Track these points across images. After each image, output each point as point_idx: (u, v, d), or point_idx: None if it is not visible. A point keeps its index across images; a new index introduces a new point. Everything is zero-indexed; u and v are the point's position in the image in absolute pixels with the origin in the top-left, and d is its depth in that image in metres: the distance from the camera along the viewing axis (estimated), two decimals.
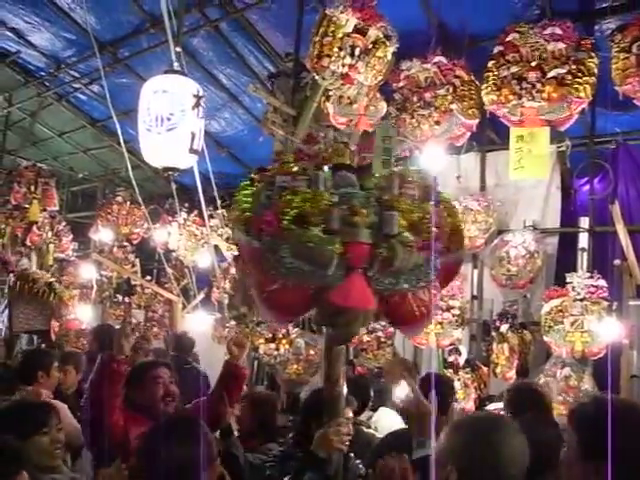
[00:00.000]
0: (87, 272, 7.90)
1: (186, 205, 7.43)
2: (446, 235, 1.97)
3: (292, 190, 1.88)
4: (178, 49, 3.96)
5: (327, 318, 1.92)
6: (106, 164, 9.44)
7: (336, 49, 4.23)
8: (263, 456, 2.96)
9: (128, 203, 8.56)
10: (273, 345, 4.67)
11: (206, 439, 2.01)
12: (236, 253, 5.58)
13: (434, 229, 1.90)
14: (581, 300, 4.56)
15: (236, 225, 1.93)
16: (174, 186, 5.27)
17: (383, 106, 4.92)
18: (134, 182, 4.90)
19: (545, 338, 4.69)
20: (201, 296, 6.98)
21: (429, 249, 1.90)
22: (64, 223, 8.05)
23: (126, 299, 8.90)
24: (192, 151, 3.68)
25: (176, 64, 3.85)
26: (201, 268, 7.16)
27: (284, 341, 4.69)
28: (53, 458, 2.44)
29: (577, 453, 1.55)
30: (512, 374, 4.79)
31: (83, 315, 7.28)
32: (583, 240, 5.19)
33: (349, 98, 4.57)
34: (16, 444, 1.95)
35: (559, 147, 5.35)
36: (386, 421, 3.83)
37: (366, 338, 5.29)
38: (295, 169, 1.97)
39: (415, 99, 4.97)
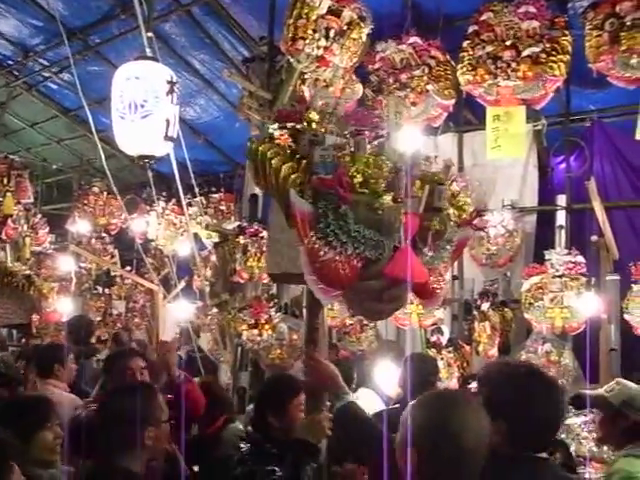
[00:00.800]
0: (65, 264, 7.79)
1: (164, 194, 7.37)
2: (474, 217, 2.02)
3: (344, 153, 1.81)
4: (150, 34, 3.88)
5: (373, 292, 1.81)
6: (80, 154, 9.28)
7: (310, 31, 4.18)
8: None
9: (105, 193, 8.46)
10: (256, 331, 4.66)
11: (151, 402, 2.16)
12: (216, 240, 5.54)
13: (467, 205, 1.94)
14: (560, 277, 4.62)
15: (288, 187, 1.77)
16: (151, 174, 5.19)
17: (359, 88, 4.89)
18: (108, 172, 4.82)
19: (526, 315, 4.75)
20: (182, 285, 6.93)
21: (467, 224, 1.97)
22: (40, 215, 7.91)
23: (106, 290, 8.83)
24: (167, 138, 3.62)
25: (148, 50, 3.78)
26: (181, 257, 7.11)
27: (267, 326, 4.68)
28: (54, 453, 2.43)
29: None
30: (494, 352, 4.85)
31: (63, 308, 7.19)
32: (561, 218, 5.25)
33: (325, 81, 4.53)
34: (7, 439, 1.93)
35: (535, 126, 5.39)
36: (366, 402, 3.85)
37: (349, 321, 5.32)
38: (322, 130, 1.89)
39: (391, 81, 4.95)
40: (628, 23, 3.93)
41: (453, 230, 1.91)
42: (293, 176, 1.77)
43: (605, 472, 2.50)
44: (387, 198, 1.72)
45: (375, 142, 1.98)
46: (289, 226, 1.80)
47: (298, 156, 1.82)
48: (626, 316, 4.37)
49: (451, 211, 1.90)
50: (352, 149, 1.83)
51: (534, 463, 1.64)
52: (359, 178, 1.71)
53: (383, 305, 1.85)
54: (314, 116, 1.91)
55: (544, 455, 1.67)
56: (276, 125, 1.97)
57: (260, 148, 1.89)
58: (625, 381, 2.63)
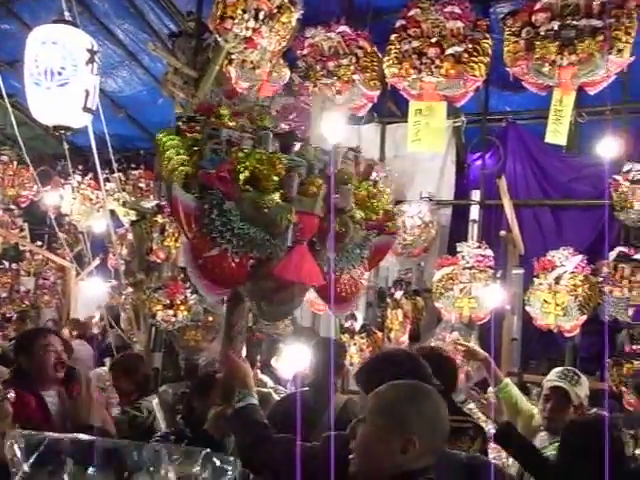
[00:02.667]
0: None
1: (80, 167, 7.07)
2: (383, 216, 1.95)
3: (240, 148, 1.72)
4: None
5: (265, 293, 1.76)
6: None
7: (240, 11, 4.12)
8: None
9: (15, 163, 8.00)
10: (171, 311, 4.59)
11: None
12: (134, 218, 5.40)
13: (380, 208, 1.88)
14: (470, 268, 4.83)
15: (173, 180, 1.69)
16: (66, 146, 4.98)
17: (286, 73, 4.89)
18: (20, 140, 4.58)
19: (436, 304, 4.94)
20: (96, 262, 6.71)
21: (375, 228, 1.88)
22: None
23: (14, 265, 8.39)
24: (86, 109, 3.50)
25: (67, 14, 3.60)
26: (96, 233, 6.87)
27: (182, 307, 4.63)
28: None
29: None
30: (405, 339, 5.02)
31: None
32: (474, 212, 5.49)
33: (252, 63, 4.48)
34: None
35: (455, 122, 5.59)
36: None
37: None
38: (232, 124, 1.81)
39: (318, 67, 4.98)
40: (542, 33, 4.16)
41: (359, 233, 1.86)
42: (180, 168, 1.71)
43: None
44: (275, 196, 1.67)
45: (301, 139, 1.94)
46: (172, 218, 1.76)
47: (196, 149, 1.76)
48: (527, 308, 4.64)
49: (358, 214, 1.83)
50: (253, 145, 1.78)
51: None
52: (246, 174, 1.66)
53: (275, 307, 1.81)
54: (224, 111, 1.85)
55: None
56: (185, 118, 1.91)
57: (163, 138, 1.83)
58: (583, 375, 2.83)
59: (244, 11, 4.17)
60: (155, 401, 3.49)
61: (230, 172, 1.65)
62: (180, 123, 1.89)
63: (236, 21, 4.15)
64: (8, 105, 4.42)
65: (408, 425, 1.43)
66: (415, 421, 1.43)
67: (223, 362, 2.03)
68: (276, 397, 3.50)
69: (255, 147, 1.77)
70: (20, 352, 2.84)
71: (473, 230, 5.42)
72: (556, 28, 4.16)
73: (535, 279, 4.63)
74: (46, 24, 3.47)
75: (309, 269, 1.69)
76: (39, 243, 8.03)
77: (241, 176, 1.65)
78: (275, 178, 1.68)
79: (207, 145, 1.73)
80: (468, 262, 4.86)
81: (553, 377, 2.87)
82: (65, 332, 6.21)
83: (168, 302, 4.65)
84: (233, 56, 4.50)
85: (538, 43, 4.18)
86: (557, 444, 2.63)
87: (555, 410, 2.78)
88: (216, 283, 1.70)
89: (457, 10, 4.59)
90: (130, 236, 5.43)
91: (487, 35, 4.55)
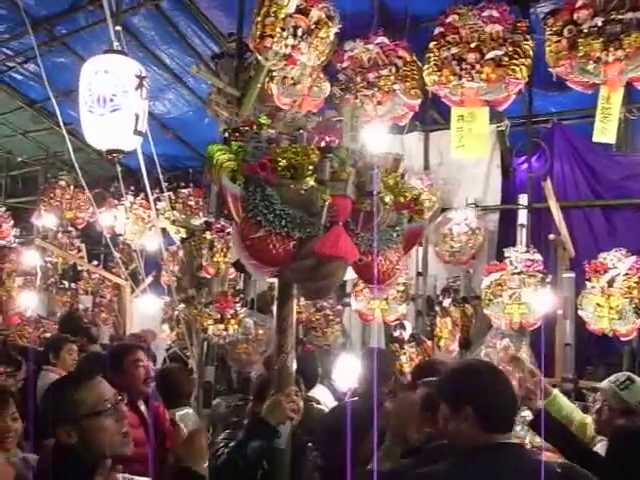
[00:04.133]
0: (30, 258, 7.69)
1: (132, 188, 7.33)
2: (412, 202, 2.14)
3: (278, 145, 1.95)
4: (118, 28, 3.88)
5: (307, 271, 1.93)
6: (47, 147, 9.14)
7: (278, 29, 4.22)
8: None
9: (72, 187, 8.36)
10: (222, 326, 4.69)
11: None
12: (184, 236, 5.54)
13: (407, 194, 2.09)
14: (518, 274, 4.74)
15: (223, 174, 1.94)
16: (119, 169, 5.18)
17: (327, 87, 4.95)
18: (76, 165, 4.80)
19: (486, 311, 4.86)
20: (149, 279, 6.92)
21: (404, 208, 2.10)
22: (4, 208, 7.80)
23: (73, 285, 8.74)
24: (136, 132, 3.64)
25: (116, 44, 3.78)
26: (149, 251, 7.09)
27: (233, 321, 4.72)
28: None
29: (449, 407, 1.88)
30: (455, 347, 4.97)
31: (28, 302, 7.10)
32: (522, 216, 5.39)
33: (293, 79, 4.57)
34: None
35: (499, 127, 5.54)
36: (321, 398, 3.93)
37: (315, 316, 5.39)
38: (271, 131, 2.04)
39: (359, 79, 5.02)
40: (585, 30, 4.07)
41: (390, 214, 2.04)
42: (226, 164, 1.94)
43: None
44: (310, 180, 1.89)
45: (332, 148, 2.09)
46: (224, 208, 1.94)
47: (239, 150, 1.99)
48: (580, 312, 4.52)
49: (388, 197, 2.03)
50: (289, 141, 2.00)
51: (505, 448, 1.78)
52: (283, 163, 1.89)
53: (318, 282, 1.97)
54: (264, 120, 2.08)
55: (515, 440, 1.83)
56: (231, 129, 2.14)
57: (213, 148, 2.05)
58: (637, 378, 2.76)
59: (283, 29, 4.27)
60: (179, 413, 3.48)
61: (270, 161, 1.89)
62: (227, 134, 2.12)
63: (275, 39, 4.25)
64: (65, 133, 4.64)
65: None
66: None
67: (282, 352, 2.13)
68: None
69: (290, 144, 1.98)
70: (111, 368, 2.95)
71: (522, 235, 5.32)
72: (600, 24, 4.06)
73: (587, 282, 4.50)
74: (98, 55, 3.65)
75: (344, 245, 1.88)
76: (95, 263, 8.34)
77: (279, 164, 1.88)
78: (310, 167, 1.90)
79: (250, 143, 1.97)
80: (516, 267, 4.76)
81: (604, 381, 2.83)
82: None
83: (219, 316, 4.75)
84: (274, 73, 4.60)
85: (581, 41, 4.09)
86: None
87: (600, 413, 2.74)
88: (262, 262, 1.91)
89: (495, 14, 4.55)
90: (181, 253, 5.58)
91: (527, 37, 4.48)
